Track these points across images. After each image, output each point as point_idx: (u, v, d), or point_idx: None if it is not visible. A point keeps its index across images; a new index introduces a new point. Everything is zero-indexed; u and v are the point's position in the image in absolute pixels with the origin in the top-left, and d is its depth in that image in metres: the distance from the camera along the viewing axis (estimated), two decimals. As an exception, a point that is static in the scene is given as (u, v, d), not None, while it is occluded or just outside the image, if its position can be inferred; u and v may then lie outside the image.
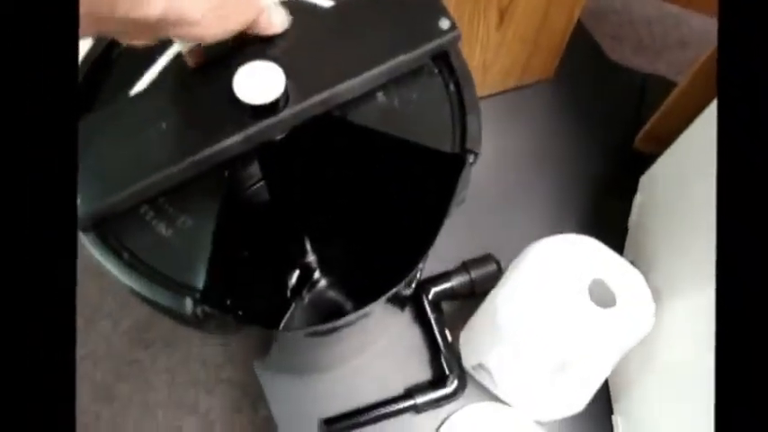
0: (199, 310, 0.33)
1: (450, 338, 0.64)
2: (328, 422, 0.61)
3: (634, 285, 0.50)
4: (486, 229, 0.71)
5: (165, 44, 0.39)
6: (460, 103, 0.40)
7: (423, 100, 0.40)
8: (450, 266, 0.67)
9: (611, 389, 0.63)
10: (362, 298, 0.38)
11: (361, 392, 0.64)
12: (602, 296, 0.49)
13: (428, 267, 0.67)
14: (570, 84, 0.81)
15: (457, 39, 0.40)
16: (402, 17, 0.40)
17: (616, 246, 0.54)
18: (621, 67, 0.85)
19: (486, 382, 0.61)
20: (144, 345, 1.21)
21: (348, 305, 0.59)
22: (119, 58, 0.41)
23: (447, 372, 0.63)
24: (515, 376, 0.56)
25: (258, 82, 0.36)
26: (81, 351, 1.19)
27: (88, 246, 0.35)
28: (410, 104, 0.40)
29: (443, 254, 0.67)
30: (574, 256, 0.50)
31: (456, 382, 0.62)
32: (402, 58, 0.38)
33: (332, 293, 0.60)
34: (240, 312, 0.36)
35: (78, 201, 0.34)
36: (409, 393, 0.62)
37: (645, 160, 0.71)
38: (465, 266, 0.67)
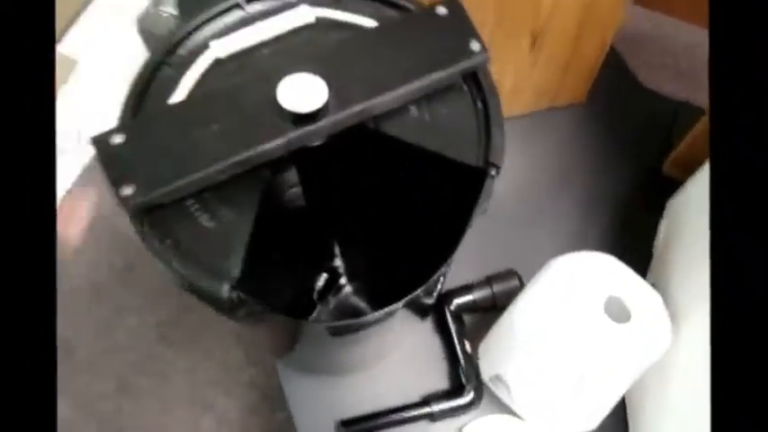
0: (234, 296, 0.36)
1: (469, 350, 0.66)
2: (345, 423, 0.63)
3: (651, 304, 0.51)
4: (511, 245, 0.73)
5: (198, 53, 0.44)
6: (486, 120, 0.42)
7: (452, 115, 0.42)
8: (473, 280, 0.69)
9: (627, 408, 0.64)
10: (384, 301, 0.41)
11: (380, 397, 0.65)
12: (618, 313, 0.51)
13: (452, 280, 0.69)
14: (602, 108, 0.83)
15: (486, 60, 0.42)
16: (437, 39, 0.42)
17: (640, 268, 0.56)
18: (654, 93, 0.86)
19: (502, 394, 0.63)
20: (168, 342, 1.25)
21: (370, 310, 0.61)
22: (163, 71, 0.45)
23: (465, 382, 0.64)
24: (531, 389, 0.57)
25: (301, 91, 0.39)
26: (105, 343, 1.23)
27: (136, 232, 0.38)
28: (440, 118, 0.42)
29: (467, 267, 0.69)
30: (592, 272, 0.51)
31: (473, 393, 0.64)
32: (434, 75, 0.41)
33: (356, 298, 0.63)
34: (270, 303, 0.39)
35: (131, 190, 0.37)
36: (426, 401, 0.64)
37: (673, 185, 0.72)
38: (488, 280, 0.68)
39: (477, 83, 0.43)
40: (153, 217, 0.38)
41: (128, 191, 0.37)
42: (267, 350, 1.15)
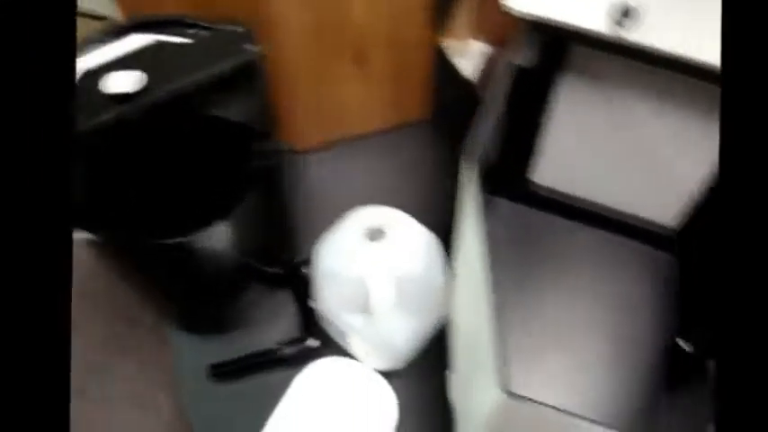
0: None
1: (313, 306, 0.81)
2: (214, 366, 0.79)
3: (408, 228, 0.68)
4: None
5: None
6: (262, 102, 0.60)
7: (236, 100, 0.61)
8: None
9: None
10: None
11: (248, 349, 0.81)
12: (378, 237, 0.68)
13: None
14: (445, 122, 0.99)
15: (255, 56, 0.61)
16: (223, 46, 0.62)
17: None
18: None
19: (338, 338, 0.77)
20: (109, 353, 1.39)
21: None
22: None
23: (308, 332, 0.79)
24: (337, 315, 0.72)
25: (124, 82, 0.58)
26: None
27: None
28: (225, 102, 0.61)
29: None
30: (368, 213, 0.69)
31: (311, 339, 0.79)
32: (214, 69, 0.60)
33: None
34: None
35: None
36: (278, 347, 0.79)
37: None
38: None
39: (252, 74, 0.62)
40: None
41: None
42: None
